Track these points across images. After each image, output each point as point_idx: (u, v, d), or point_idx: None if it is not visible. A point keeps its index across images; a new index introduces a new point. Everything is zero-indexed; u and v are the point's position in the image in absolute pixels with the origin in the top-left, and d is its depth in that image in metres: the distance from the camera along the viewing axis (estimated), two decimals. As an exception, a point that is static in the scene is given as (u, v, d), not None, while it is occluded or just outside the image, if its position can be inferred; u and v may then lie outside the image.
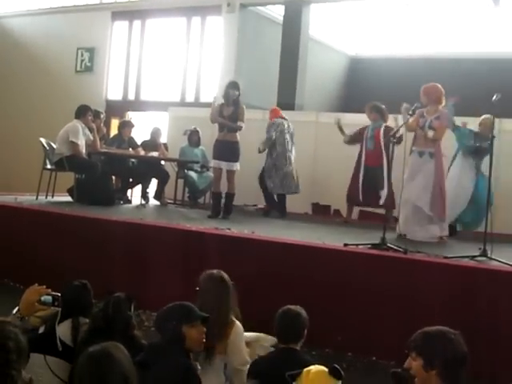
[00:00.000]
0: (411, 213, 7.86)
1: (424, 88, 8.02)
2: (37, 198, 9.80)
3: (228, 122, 8.91)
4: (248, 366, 4.14)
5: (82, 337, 3.82)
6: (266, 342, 4.54)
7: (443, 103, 8.01)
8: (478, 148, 8.43)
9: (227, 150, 8.93)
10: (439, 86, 8.02)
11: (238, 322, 4.31)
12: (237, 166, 9.01)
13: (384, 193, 9.02)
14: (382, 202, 9.12)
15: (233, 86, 9.07)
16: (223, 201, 9.20)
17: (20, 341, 2.62)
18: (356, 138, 9.69)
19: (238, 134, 8.98)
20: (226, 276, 4.44)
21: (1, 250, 8.06)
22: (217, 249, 7.04)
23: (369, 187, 9.37)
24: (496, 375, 5.55)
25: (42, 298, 3.38)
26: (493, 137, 7.05)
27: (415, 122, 7.84)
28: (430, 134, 7.79)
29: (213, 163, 9.20)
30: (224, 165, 8.97)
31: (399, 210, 8.00)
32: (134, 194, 11.22)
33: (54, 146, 9.79)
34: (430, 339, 2.88)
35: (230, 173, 9.03)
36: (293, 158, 10.12)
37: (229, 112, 8.94)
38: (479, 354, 5.51)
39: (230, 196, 9.16)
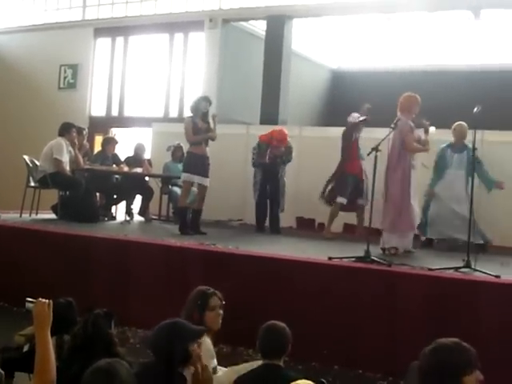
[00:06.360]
0: None
1: (407, 98, 8.00)
2: (21, 216, 9.75)
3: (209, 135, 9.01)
4: None
5: (63, 354, 3.79)
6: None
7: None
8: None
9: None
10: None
11: (207, 338, 4.22)
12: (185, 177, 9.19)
13: (363, 202, 9.25)
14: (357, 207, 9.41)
15: (205, 98, 9.17)
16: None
17: None
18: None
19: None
20: (210, 292, 4.44)
21: (-15, 268, 8.01)
22: (201, 264, 7.04)
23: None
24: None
25: (26, 306, 3.37)
26: (474, 149, 7.10)
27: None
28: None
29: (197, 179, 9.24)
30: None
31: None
32: (119, 211, 11.19)
33: (38, 164, 9.77)
34: None
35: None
36: None
37: (204, 125, 9.00)
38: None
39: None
